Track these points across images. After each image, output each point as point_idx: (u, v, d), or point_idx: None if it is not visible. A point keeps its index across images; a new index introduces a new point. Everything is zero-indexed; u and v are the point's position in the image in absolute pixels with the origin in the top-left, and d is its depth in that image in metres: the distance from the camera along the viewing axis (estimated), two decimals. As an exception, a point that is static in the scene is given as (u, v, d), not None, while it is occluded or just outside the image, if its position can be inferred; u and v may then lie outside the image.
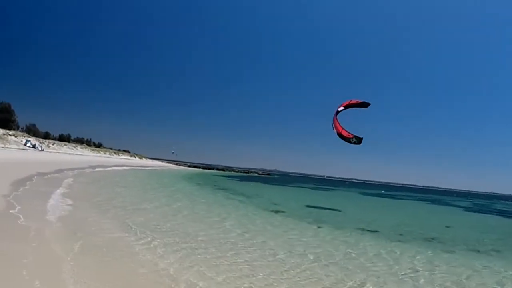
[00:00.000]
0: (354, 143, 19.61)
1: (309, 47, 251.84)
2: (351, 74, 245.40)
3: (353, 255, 10.66)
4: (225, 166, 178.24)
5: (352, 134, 19.80)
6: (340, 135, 20.06)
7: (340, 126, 19.85)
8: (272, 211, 20.71)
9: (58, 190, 17.87)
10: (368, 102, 19.30)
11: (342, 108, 19.91)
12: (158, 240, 9.61)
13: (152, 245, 9.10)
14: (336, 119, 19.96)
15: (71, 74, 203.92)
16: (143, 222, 12.15)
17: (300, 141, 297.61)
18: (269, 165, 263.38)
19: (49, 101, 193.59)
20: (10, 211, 10.66)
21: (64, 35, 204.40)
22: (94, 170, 43.36)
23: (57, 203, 13.98)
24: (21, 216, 9.93)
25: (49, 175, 25.53)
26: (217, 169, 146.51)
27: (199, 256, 8.69)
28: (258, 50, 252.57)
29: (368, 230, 16.43)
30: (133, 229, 10.79)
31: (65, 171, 32.15)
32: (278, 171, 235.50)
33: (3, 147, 49.65)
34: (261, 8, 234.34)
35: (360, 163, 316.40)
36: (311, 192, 53.50)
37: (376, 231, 16.45)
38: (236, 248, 10.05)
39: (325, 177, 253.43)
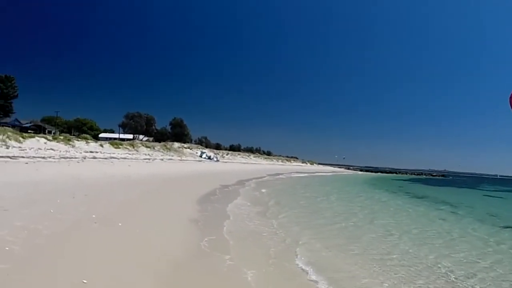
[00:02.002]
0: None
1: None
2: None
3: None
4: (392, 169, 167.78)
5: None
6: None
7: None
8: (500, 227, 15.03)
9: (249, 207, 14.54)
10: None
11: None
12: None
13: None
14: None
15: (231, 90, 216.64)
16: (379, 252, 8.71)
17: (469, 140, 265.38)
18: (437, 166, 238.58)
19: (219, 115, 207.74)
20: (204, 243, 7.69)
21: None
22: (273, 178, 40.17)
23: (257, 227, 10.53)
24: (227, 259, 6.80)
25: (230, 188, 22.34)
26: (389, 172, 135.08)
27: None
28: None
29: None
30: (365, 261, 7.76)
31: (246, 182, 28.46)
32: (448, 172, 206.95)
33: (180, 160, 48.56)
34: None
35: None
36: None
37: None
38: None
39: (498, 177, 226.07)
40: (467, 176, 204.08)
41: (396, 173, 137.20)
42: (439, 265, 7.94)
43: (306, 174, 62.11)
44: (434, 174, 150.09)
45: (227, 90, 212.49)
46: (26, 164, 16.83)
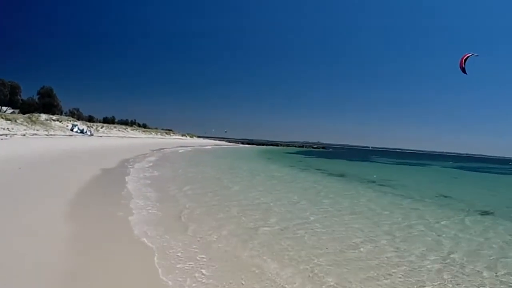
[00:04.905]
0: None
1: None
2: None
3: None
4: (268, 141, 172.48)
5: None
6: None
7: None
8: (432, 202, 15.52)
9: (155, 216, 9.33)
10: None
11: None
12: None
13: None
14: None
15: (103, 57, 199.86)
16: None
17: (339, 110, 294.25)
18: (311, 138, 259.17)
19: (92, 85, 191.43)
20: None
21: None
22: (161, 154, 37.21)
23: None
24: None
25: (114, 173, 17.47)
26: (269, 145, 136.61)
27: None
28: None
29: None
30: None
31: (131, 162, 24.18)
32: (322, 144, 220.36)
33: (46, 135, 41.97)
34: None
35: (405, 132, 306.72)
36: (408, 169, 47.84)
37: None
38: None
39: (370, 148, 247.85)
40: (343, 147, 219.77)
41: (278, 145, 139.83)
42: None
43: (191, 148, 60.54)
44: (315, 146, 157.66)
45: (98, 57, 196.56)
46: None
